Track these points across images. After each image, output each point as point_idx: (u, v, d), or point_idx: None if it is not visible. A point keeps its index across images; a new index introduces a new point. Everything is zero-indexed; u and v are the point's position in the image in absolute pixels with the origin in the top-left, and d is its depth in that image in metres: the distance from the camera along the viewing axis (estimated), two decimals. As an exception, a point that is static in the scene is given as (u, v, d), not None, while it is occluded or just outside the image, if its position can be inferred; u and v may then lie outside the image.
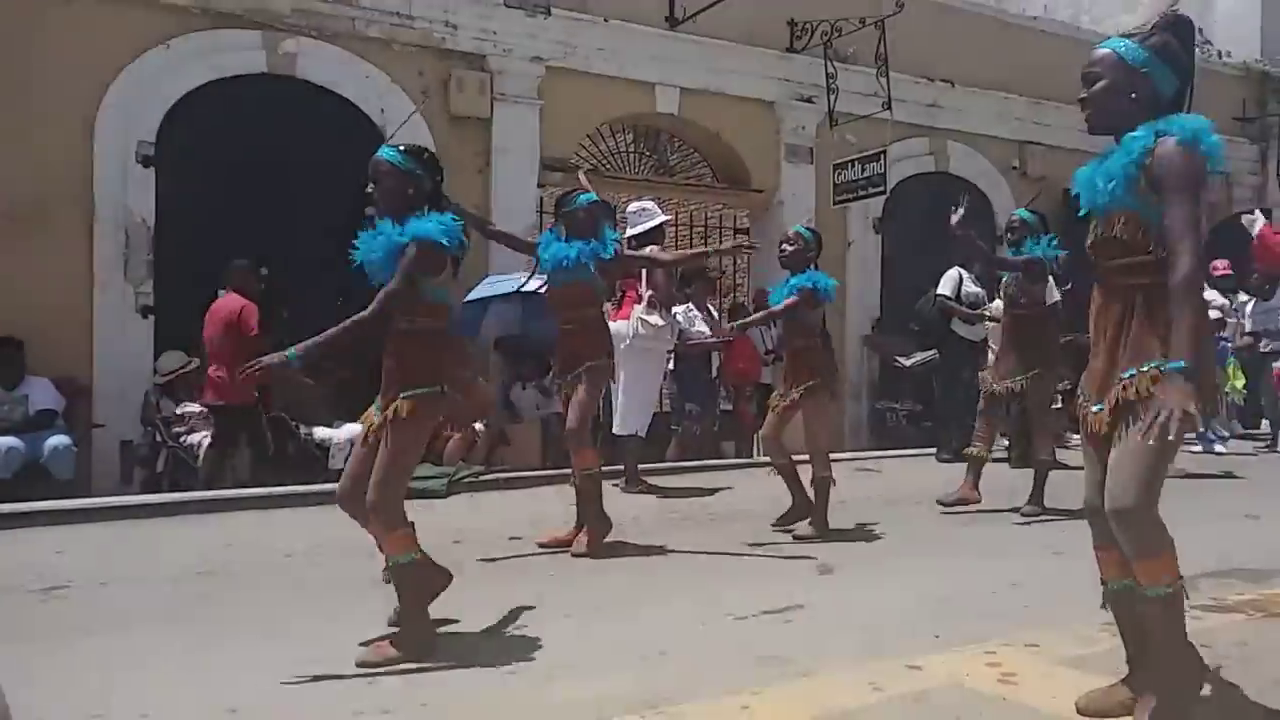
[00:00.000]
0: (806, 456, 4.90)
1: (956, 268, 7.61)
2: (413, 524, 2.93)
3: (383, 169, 3.00)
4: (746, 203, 10.11)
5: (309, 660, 2.78)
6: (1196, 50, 2.32)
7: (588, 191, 4.57)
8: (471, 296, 7.31)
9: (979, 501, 5.35)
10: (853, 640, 2.99)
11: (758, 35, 9.53)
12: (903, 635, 3.01)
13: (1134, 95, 2.23)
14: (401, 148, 3.08)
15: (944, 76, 10.70)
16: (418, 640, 2.86)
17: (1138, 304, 2.20)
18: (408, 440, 2.89)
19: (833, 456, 7.23)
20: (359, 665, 2.78)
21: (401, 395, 2.87)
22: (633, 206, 6.53)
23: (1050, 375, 5.39)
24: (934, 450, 7.90)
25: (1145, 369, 2.14)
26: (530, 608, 3.40)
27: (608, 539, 4.41)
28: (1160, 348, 2.14)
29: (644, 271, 6.11)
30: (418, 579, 2.91)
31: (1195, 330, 2.08)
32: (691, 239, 10.59)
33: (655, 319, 5.97)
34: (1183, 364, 2.05)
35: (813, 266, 4.92)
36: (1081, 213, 2.35)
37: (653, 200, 9.90)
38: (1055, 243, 5.33)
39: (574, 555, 4.28)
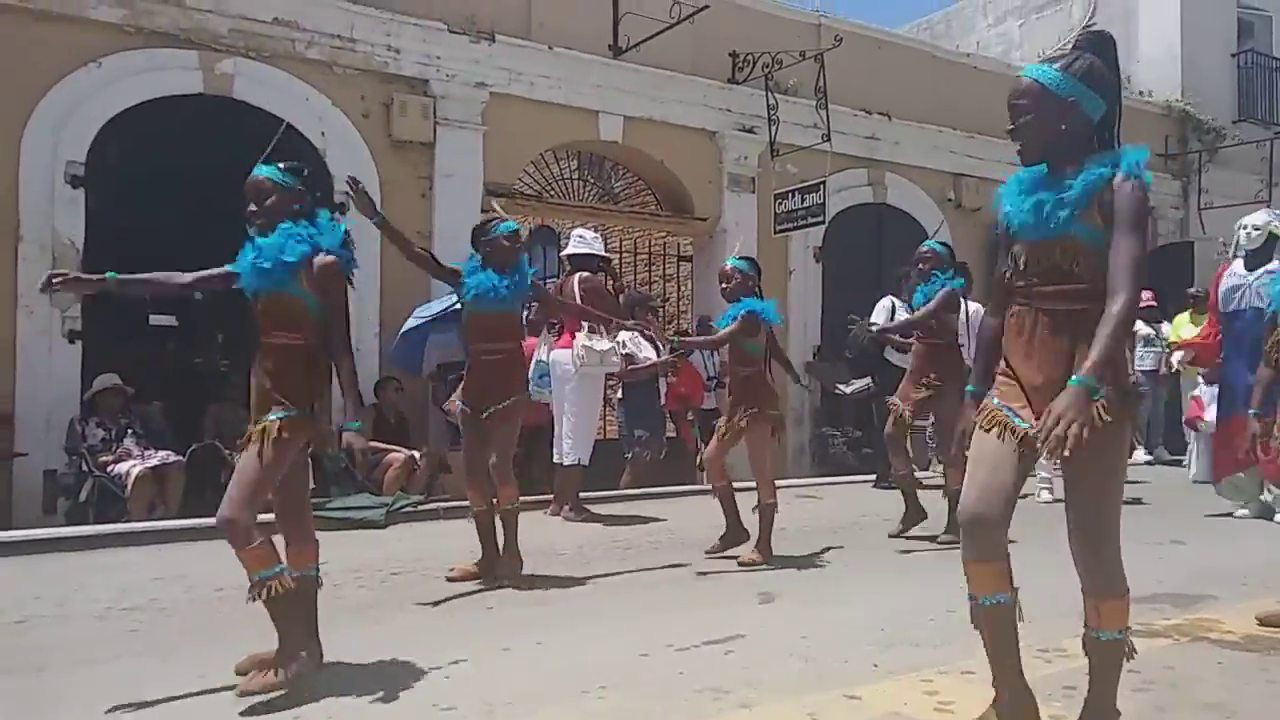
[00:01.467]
0: (751, 483, 4.93)
1: (889, 296, 7.75)
2: (270, 540, 2.79)
3: (265, 186, 2.94)
4: (690, 231, 10.19)
5: (239, 699, 2.69)
6: (1121, 67, 2.30)
7: (506, 220, 4.49)
8: (406, 327, 7.24)
9: (925, 517, 5.45)
10: (792, 670, 3.00)
11: (700, 66, 9.66)
12: (841, 664, 3.02)
13: (1063, 126, 2.19)
14: (281, 165, 3.00)
15: (881, 110, 10.95)
16: (293, 658, 2.75)
17: (1067, 329, 2.19)
18: (275, 459, 2.79)
19: (775, 483, 7.26)
20: (239, 694, 2.69)
21: (277, 414, 2.80)
22: (576, 232, 6.55)
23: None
24: (874, 477, 8.00)
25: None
26: (468, 640, 3.35)
27: (534, 572, 4.41)
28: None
29: (578, 296, 6.10)
30: (286, 594, 2.76)
31: (1111, 356, 2.08)
32: (635, 266, 10.64)
33: (598, 343, 5.95)
34: (1085, 380, 2.04)
35: (757, 293, 4.97)
36: (1012, 234, 2.30)
37: (595, 226, 9.96)
38: (954, 276, 5.44)
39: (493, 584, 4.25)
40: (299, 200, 2.98)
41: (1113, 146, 2.24)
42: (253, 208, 2.95)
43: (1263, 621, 3.40)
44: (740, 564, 4.73)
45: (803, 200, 9.33)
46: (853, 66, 10.08)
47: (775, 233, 9.83)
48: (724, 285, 5.00)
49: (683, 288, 10.72)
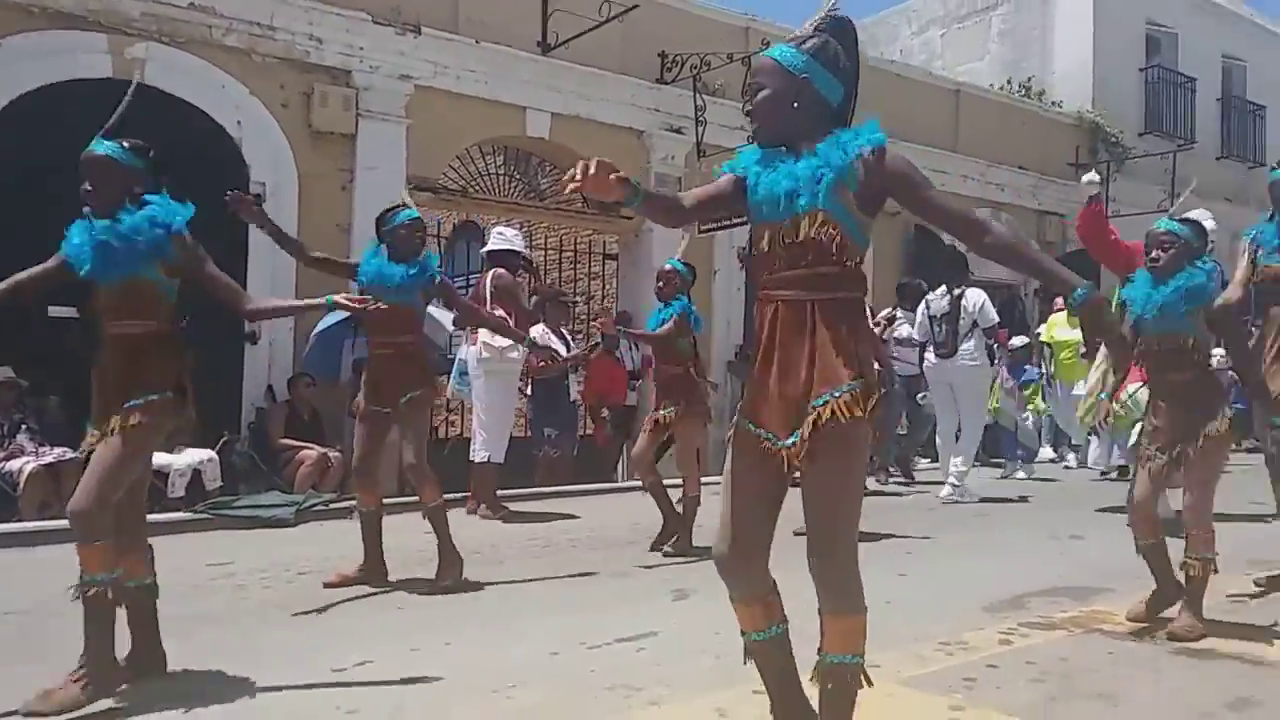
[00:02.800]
0: (678, 478, 5.02)
1: None
2: (115, 545, 2.64)
3: (104, 164, 2.78)
4: (616, 229, 10.19)
5: (127, 709, 2.60)
6: (860, 53, 2.18)
7: (409, 208, 4.34)
8: (321, 327, 7.07)
9: None
10: (703, 667, 3.02)
11: (629, 65, 9.67)
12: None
13: (796, 104, 2.07)
14: (125, 143, 2.85)
15: (807, 113, 11.11)
16: (89, 677, 2.59)
17: (819, 320, 1.99)
18: (137, 449, 2.69)
19: (706, 480, 7.30)
20: (25, 717, 2.49)
21: (137, 400, 2.67)
22: (496, 229, 6.51)
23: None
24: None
25: (839, 394, 1.94)
26: (376, 641, 3.29)
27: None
28: (848, 369, 1.97)
29: (489, 295, 6.05)
30: (105, 606, 2.61)
31: (1052, 270, 2.05)
32: (561, 264, 10.59)
33: (499, 341, 5.88)
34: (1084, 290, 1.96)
35: (687, 296, 5.08)
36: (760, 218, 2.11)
37: (521, 223, 9.89)
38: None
39: (438, 588, 4.17)
40: (141, 181, 2.82)
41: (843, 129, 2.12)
42: (88, 186, 2.79)
43: (1133, 618, 3.47)
44: (664, 554, 4.82)
45: (728, 203, 9.40)
46: (778, 70, 10.20)
47: (700, 233, 9.87)
48: (660, 285, 5.11)
49: (608, 286, 10.72)
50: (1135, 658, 3.06)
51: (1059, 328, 9.06)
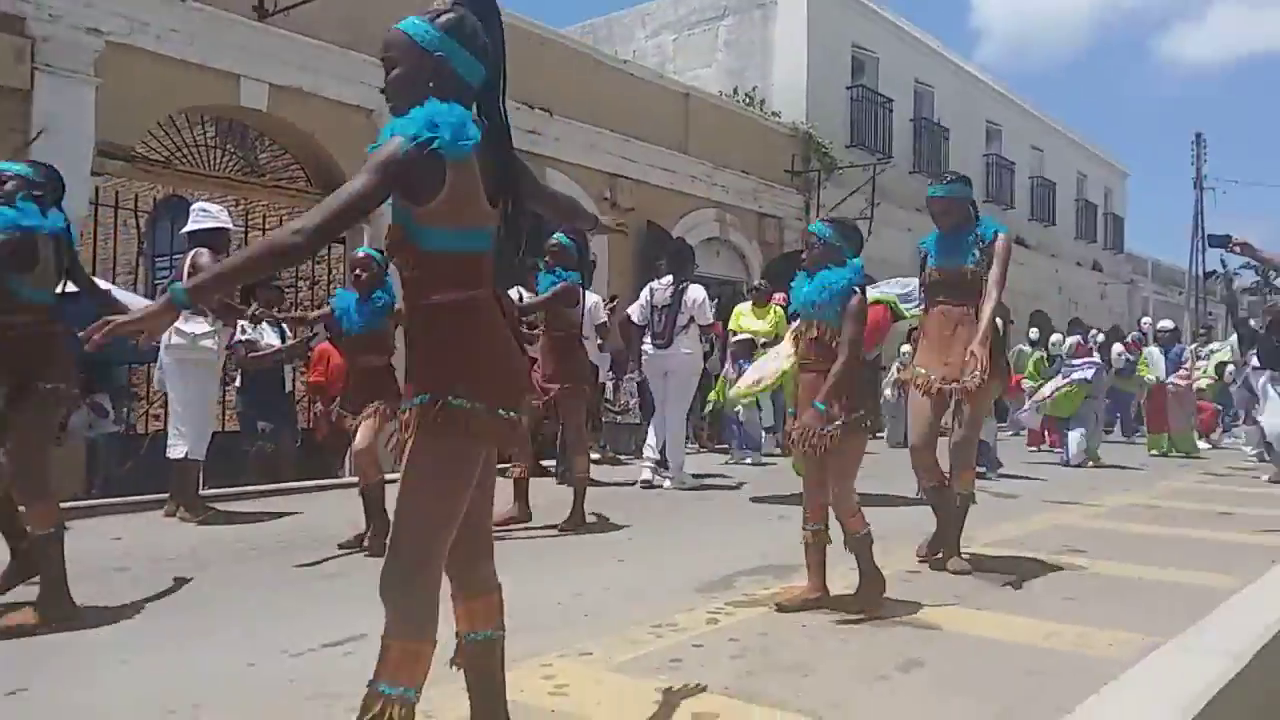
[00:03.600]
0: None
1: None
2: None
3: None
4: (343, 212, 9.71)
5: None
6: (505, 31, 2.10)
7: None
8: None
9: (527, 519, 5.50)
10: (413, 667, 2.90)
11: (358, 39, 9.20)
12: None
13: (431, 83, 1.93)
14: None
15: (543, 105, 11.14)
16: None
17: (418, 322, 1.96)
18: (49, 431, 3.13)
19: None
20: None
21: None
22: (196, 206, 5.92)
23: (581, 394, 5.72)
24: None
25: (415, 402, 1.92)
26: (43, 667, 2.89)
27: (138, 581, 3.94)
28: (421, 379, 1.93)
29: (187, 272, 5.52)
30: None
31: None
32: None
33: (194, 325, 5.40)
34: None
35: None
36: None
37: (237, 200, 9.14)
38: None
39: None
40: None
41: (497, 118, 2.05)
42: None
43: (781, 608, 3.52)
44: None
45: (459, 187, 9.22)
46: (515, 60, 10.01)
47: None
48: (548, 258, 5.50)
49: (334, 271, 10.21)
50: (824, 629, 3.30)
51: (744, 318, 9.61)
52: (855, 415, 3.46)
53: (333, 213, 1.81)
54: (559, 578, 4.14)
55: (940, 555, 4.35)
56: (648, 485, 7.19)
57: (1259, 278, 28.11)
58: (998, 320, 4.29)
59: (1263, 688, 2.76)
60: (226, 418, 8.78)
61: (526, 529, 5.39)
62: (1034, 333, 14.06)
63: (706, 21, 17.16)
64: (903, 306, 6.55)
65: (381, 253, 4.95)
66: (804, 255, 3.72)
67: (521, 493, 5.49)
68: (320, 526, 5.47)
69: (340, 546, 4.76)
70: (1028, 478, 8.60)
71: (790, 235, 15.36)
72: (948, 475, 4.33)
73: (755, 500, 6.81)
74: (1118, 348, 12.06)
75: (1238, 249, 5.31)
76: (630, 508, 6.22)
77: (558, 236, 5.62)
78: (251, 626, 3.41)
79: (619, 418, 9.99)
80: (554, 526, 5.40)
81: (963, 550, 4.34)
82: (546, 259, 5.62)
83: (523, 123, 10.83)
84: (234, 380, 7.84)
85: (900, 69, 18.45)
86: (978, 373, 3.86)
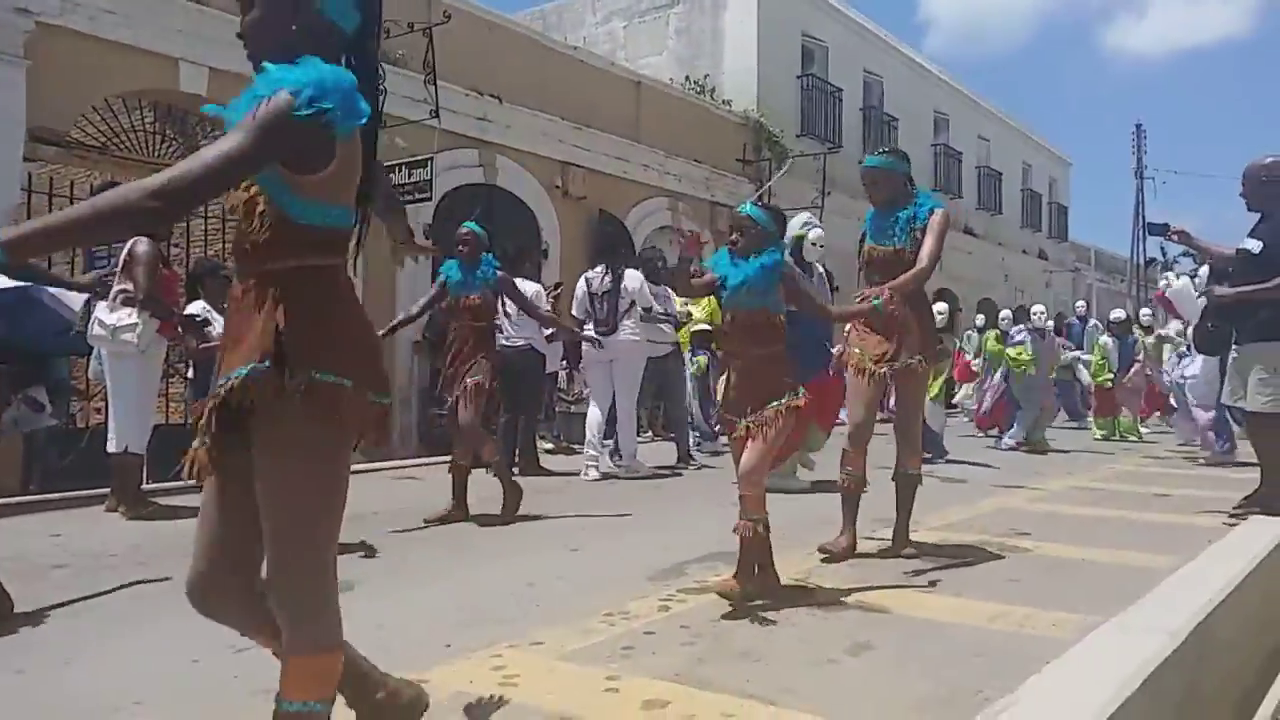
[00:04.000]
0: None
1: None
2: None
3: None
4: (288, 199, 9.54)
5: None
6: None
7: None
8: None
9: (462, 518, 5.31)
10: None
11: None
12: (413, 648, 2.94)
13: (294, 26, 1.71)
14: None
15: (492, 92, 11.03)
16: None
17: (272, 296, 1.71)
18: None
19: (377, 465, 7.06)
20: None
21: None
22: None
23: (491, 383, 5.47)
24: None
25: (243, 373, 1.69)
26: (-32, 667, 2.80)
27: (78, 578, 3.84)
28: (263, 348, 1.67)
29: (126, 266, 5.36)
30: None
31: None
32: (224, 231, 9.71)
33: (115, 317, 5.23)
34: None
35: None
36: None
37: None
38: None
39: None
40: None
41: (368, 70, 1.80)
42: None
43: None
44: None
45: (410, 175, 9.12)
46: (464, 46, 10.04)
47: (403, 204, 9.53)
48: (462, 247, 5.31)
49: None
50: (776, 615, 3.32)
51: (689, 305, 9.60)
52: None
53: (199, 178, 1.52)
54: (511, 567, 4.13)
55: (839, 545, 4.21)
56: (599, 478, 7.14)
57: (1196, 265, 28.89)
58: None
59: (1198, 663, 2.83)
60: (171, 410, 8.59)
61: (481, 518, 5.35)
62: (980, 319, 14.30)
63: (657, 9, 17.12)
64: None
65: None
66: (734, 239, 3.65)
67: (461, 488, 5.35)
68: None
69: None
70: (975, 463, 8.75)
71: (740, 224, 15.41)
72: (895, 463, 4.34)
73: (707, 488, 6.83)
74: (1059, 340, 12.26)
75: (1175, 237, 5.43)
76: (583, 496, 6.21)
77: (469, 225, 5.40)
78: (195, 623, 3.32)
79: (572, 407, 9.95)
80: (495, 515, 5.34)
81: (912, 534, 4.40)
82: (461, 248, 5.32)
83: (472, 109, 10.74)
84: (182, 372, 7.67)
85: (849, 59, 18.59)
86: (893, 307, 3.67)
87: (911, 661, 2.85)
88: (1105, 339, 12.03)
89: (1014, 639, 3.06)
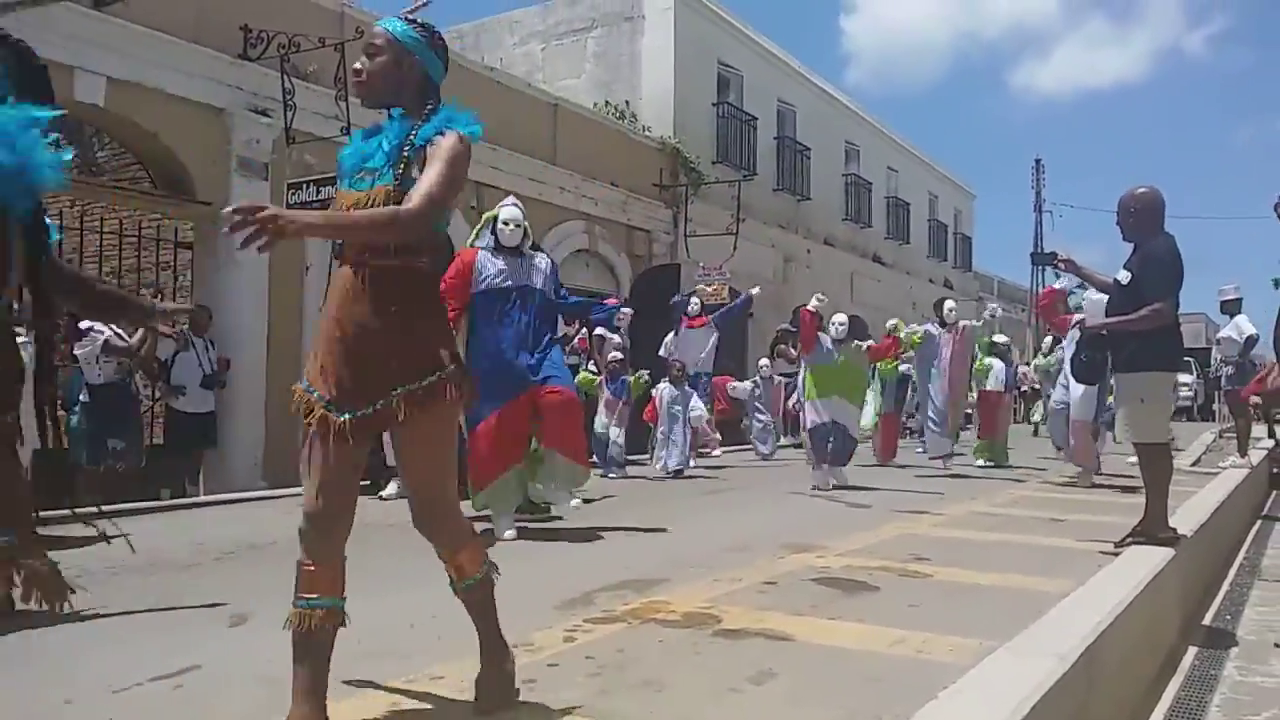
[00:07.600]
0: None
1: None
2: None
3: None
4: (190, 214, 9.23)
5: None
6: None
7: None
8: None
9: None
10: (250, 697, 2.76)
11: (206, 35, 8.81)
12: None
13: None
14: None
15: (407, 110, 10.90)
16: None
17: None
18: None
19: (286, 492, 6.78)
20: None
21: None
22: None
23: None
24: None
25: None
26: None
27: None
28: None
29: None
30: None
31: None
32: (122, 250, 9.35)
33: None
34: None
35: None
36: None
37: (71, 202, 8.55)
38: None
39: None
40: None
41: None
42: None
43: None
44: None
45: (318, 193, 8.91)
46: (377, 62, 9.88)
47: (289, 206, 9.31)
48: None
49: (180, 278, 9.68)
50: (681, 643, 3.31)
51: None
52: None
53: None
54: (414, 599, 4.02)
55: None
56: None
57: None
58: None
59: (1088, 686, 2.92)
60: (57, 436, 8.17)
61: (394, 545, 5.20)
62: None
63: (575, 32, 17.20)
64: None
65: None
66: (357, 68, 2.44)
67: None
68: (159, 549, 5.15)
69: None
70: (880, 489, 8.92)
71: (659, 248, 15.54)
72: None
73: (620, 514, 6.81)
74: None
75: (1062, 265, 5.61)
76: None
77: None
78: (71, 659, 3.16)
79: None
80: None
81: (816, 559, 4.44)
82: None
83: (385, 127, 10.59)
84: (69, 400, 7.29)
85: (764, 87, 18.96)
86: None
87: (813, 689, 2.86)
88: (993, 360, 12.52)
89: (913, 665, 3.10)
